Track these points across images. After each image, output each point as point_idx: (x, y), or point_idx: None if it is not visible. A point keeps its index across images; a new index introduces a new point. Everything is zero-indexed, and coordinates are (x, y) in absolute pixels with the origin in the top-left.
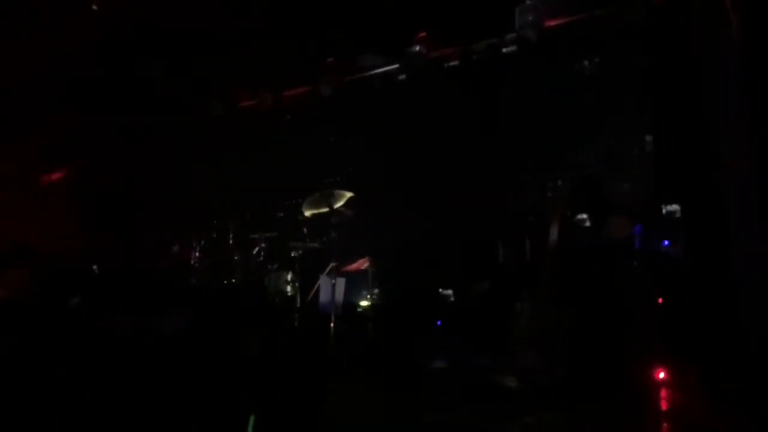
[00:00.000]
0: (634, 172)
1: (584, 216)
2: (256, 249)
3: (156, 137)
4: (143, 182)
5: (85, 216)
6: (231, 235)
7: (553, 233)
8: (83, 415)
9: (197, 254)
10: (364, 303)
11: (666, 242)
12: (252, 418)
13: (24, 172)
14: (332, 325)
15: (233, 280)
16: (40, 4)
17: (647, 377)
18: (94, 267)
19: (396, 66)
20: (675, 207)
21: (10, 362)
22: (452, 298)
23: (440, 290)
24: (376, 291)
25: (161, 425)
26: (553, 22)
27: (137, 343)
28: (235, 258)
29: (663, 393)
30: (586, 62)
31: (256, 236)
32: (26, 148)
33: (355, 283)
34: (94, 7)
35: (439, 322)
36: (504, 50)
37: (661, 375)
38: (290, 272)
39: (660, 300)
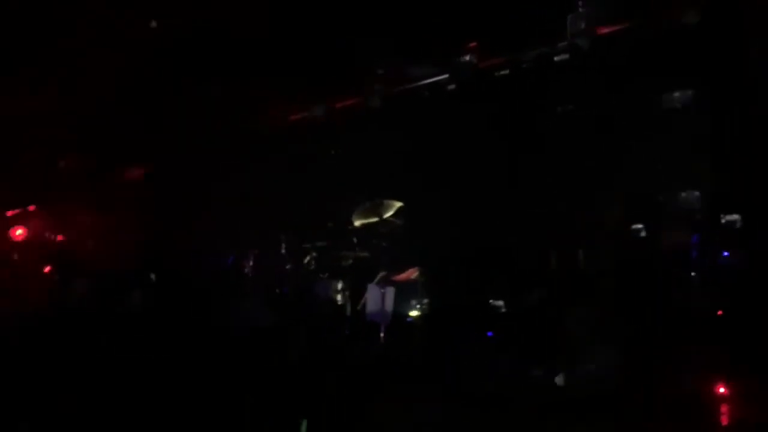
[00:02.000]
0: (692, 181)
1: (640, 226)
2: (308, 258)
3: (211, 149)
4: (200, 192)
5: (143, 225)
6: (283, 245)
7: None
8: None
9: (251, 264)
10: (413, 313)
11: (725, 253)
12: (304, 423)
13: (84, 181)
14: (382, 334)
15: (285, 289)
16: (103, 22)
17: (707, 391)
18: (152, 275)
19: (445, 76)
20: (735, 216)
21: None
22: (503, 309)
23: (491, 301)
24: (425, 301)
25: (219, 426)
26: (606, 29)
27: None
28: (287, 267)
29: (723, 408)
30: (641, 67)
31: (308, 246)
32: (85, 156)
33: (405, 292)
34: (153, 24)
35: (490, 333)
36: (555, 59)
37: (722, 390)
38: (340, 281)
39: (720, 312)
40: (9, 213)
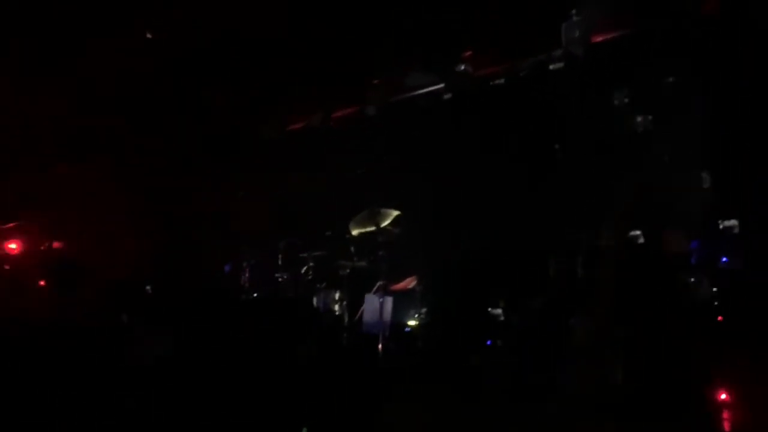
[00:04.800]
0: (690, 186)
1: (638, 232)
2: (305, 268)
3: (207, 159)
4: (196, 203)
5: (137, 237)
6: (280, 255)
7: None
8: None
9: (247, 273)
10: (411, 322)
11: (724, 258)
12: (304, 430)
13: (80, 194)
14: (380, 344)
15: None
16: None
17: (708, 398)
18: (148, 287)
19: (441, 85)
20: (733, 222)
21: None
22: (502, 317)
23: (490, 309)
24: (424, 310)
25: None
26: (600, 38)
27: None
28: (285, 277)
29: (725, 414)
30: (637, 76)
31: (305, 255)
32: (83, 168)
33: (403, 302)
34: (149, 36)
35: (489, 342)
36: (551, 67)
37: (723, 396)
38: (338, 291)
39: (720, 318)
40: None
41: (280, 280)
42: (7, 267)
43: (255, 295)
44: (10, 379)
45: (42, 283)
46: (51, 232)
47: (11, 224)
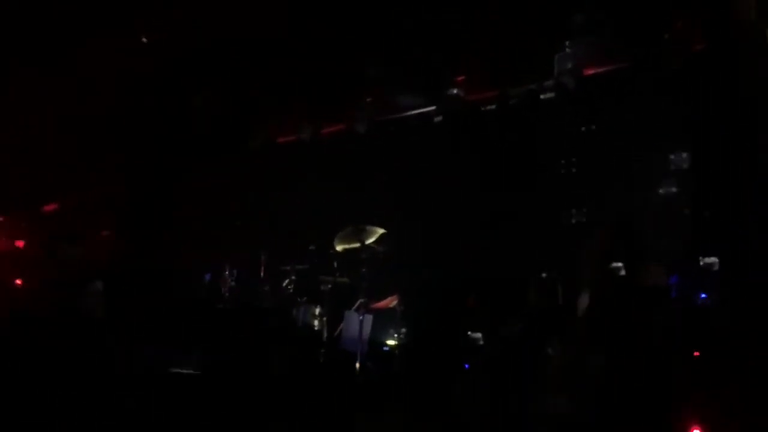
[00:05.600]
0: (671, 222)
1: (619, 264)
2: (286, 281)
3: (192, 168)
4: (178, 211)
5: (116, 242)
6: (262, 266)
7: (588, 281)
8: None
9: (228, 282)
10: (390, 341)
11: (703, 294)
12: None
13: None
14: (357, 361)
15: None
16: (92, 38)
17: None
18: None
19: (433, 108)
20: (713, 259)
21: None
22: (481, 341)
23: (469, 332)
24: (403, 330)
25: None
26: (591, 70)
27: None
28: (266, 288)
29: None
30: (623, 109)
31: (287, 268)
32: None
33: (383, 320)
34: (144, 40)
35: (467, 366)
36: (542, 96)
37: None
38: (318, 306)
39: (696, 353)
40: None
41: (260, 291)
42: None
43: (232, 304)
44: (10, 375)
45: (17, 281)
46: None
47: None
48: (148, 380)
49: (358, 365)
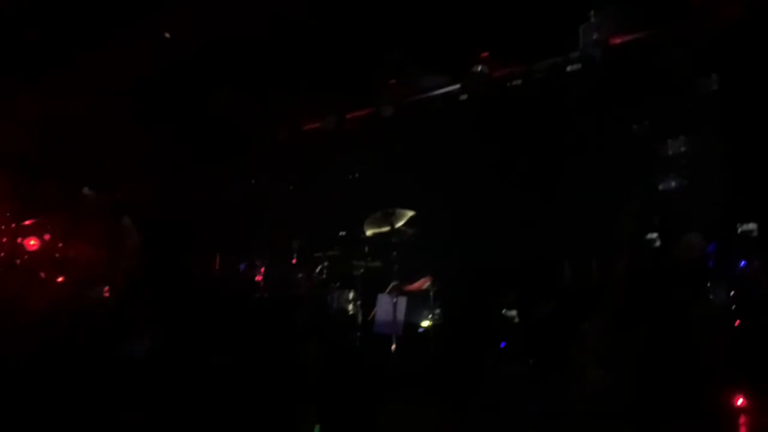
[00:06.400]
0: (708, 190)
1: (654, 235)
2: (319, 267)
3: (223, 160)
4: (210, 204)
5: (153, 237)
6: (295, 254)
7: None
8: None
9: (262, 272)
10: (425, 323)
11: (743, 262)
12: (317, 428)
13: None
14: (393, 344)
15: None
16: (115, 35)
17: (725, 403)
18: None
19: (457, 86)
20: (752, 225)
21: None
22: (516, 320)
23: (504, 311)
24: (437, 311)
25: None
26: (618, 40)
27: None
28: (299, 276)
29: (742, 420)
30: (654, 79)
31: (319, 254)
32: (96, 170)
33: (417, 303)
34: (167, 35)
35: (503, 344)
36: (568, 69)
37: (740, 401)
38: (352, 291)
39: (737, 322)
40: (26, 223)
41: (294, 279)
42: (25, 264)
43: (268, 293)
44: (23, 367)
45: (59, 279)
46: (65, 231)
47: (31, 221)
48: (185, 371)
49: (393, 347)
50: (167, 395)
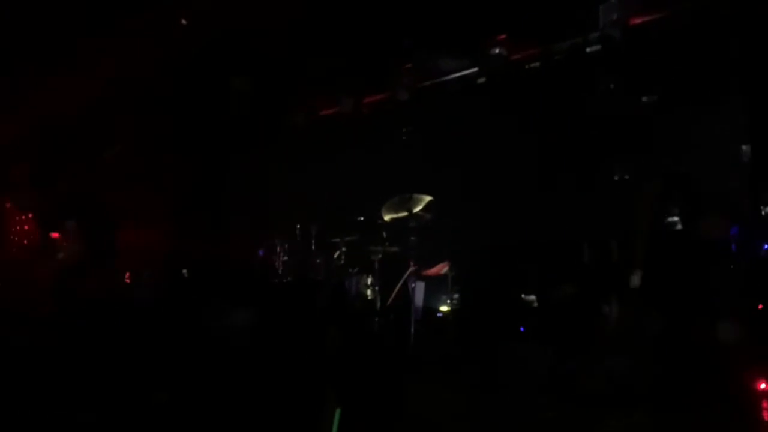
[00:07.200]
0: (730, 171)
1: (676, 218)
2: (337, 252)
3: (241, 144)
4: (230, 188)
5: (175, 222)
6: (313, 239)
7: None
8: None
9: (281, 257)
10: (443, 308)
11: (766, 245)
12: (338, 413)
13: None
14: (412, 329)
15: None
16: (134, 21)
17: (747, 387)
18: (184, 271)
19: (475, 69)
20: None
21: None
22: (535, 303)
23: (523, 295)
24: (456, 296)
25: (250, 417)
26: (638, 20)
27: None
28: (317, 261)
29: (765, 404)
30: (674, 58)
31: (337, 240)
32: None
33: (435, 287)
34: (183, 22)
35: (522, 328)
36: (588, 50)
37: (763, 386)
38: (370, 276)
39: (760, 306)
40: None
41: (312, 264)
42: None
43: (288, 278)
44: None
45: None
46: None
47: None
48: (206, 353)
49: (412, 332)
50: (188, 377)
